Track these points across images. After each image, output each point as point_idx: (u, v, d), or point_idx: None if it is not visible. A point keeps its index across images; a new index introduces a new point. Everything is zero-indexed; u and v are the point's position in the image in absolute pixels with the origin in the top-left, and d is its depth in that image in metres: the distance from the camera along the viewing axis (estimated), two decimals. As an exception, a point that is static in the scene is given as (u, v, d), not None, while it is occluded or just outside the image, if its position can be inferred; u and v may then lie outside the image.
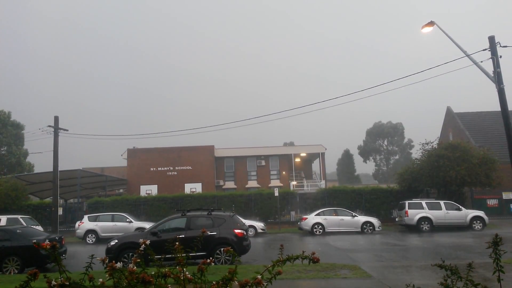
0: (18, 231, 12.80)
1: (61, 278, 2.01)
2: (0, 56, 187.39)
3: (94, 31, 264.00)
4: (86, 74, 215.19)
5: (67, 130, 25.05)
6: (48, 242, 2.05)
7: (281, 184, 37.94)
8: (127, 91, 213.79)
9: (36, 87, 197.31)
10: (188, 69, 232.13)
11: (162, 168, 38.23)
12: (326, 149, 40.52)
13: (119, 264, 2.10)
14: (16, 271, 11.89)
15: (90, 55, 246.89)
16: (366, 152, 74.39)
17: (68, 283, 1.99)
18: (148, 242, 2.46)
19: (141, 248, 2.43)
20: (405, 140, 73.86)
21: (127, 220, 22.75)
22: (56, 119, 24.53)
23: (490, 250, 2.38)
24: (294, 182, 38.71)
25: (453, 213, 22.45)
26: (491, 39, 13.31)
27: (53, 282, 1.98)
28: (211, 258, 2.39)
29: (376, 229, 22.30)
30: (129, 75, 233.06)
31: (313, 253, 2.09)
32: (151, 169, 38.08)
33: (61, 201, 34.19)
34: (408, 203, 23.10)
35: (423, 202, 23.00)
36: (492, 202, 29.62)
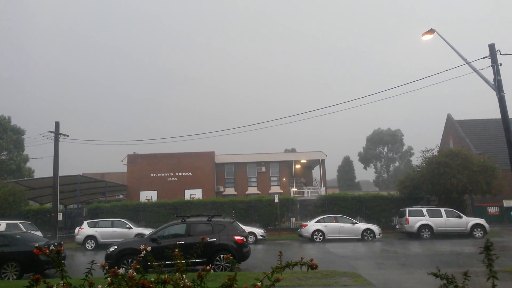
0: (17, 236, 12.79)
1: (62, 283, 2.02)
2: (0, 61, 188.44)
3: (94, 37, 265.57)
4: (87, 80, 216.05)
5: (68, 136, 25.09)
6: (53, 248, 2.06)
7: (281, 191, 37.88)
8: (128, 97, 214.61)
9: (37, 92, 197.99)
10: (189, 75, 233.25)
11: (162, 174, 38.20)
12: (326, 155, 40.51)
13: (121, 270, 2.11)
14: (15, 277, 11.85)
15: (91, 61, 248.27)
16: (366, 159, 74.41)
17: (68, 289, 2.00)
18: (149, 248, 2.47)
19: (142, 255, 2.44)
20: (405, 147, 73.96)
21: (127, 226, 22.71)
22: (57, 124, 24.58)
23: (487, 256, 2.37)
24: (294, 189, 38.63)
25: (454, 220, 22.40)
26: (491, 47, 13.37)
27: (54, 288, 1.98)
28: (210, 264, 2.39)
29: (377, 236, 22.23)
30: (130, 81, 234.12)
31: (311, 260, 2.10)
32: (151, 175, 38.05)
33: (61, 207, 34.14)
34: (409, 210, 23.06)
35: (424, 210, 22.96)
36: (492, 209, 29.54)
